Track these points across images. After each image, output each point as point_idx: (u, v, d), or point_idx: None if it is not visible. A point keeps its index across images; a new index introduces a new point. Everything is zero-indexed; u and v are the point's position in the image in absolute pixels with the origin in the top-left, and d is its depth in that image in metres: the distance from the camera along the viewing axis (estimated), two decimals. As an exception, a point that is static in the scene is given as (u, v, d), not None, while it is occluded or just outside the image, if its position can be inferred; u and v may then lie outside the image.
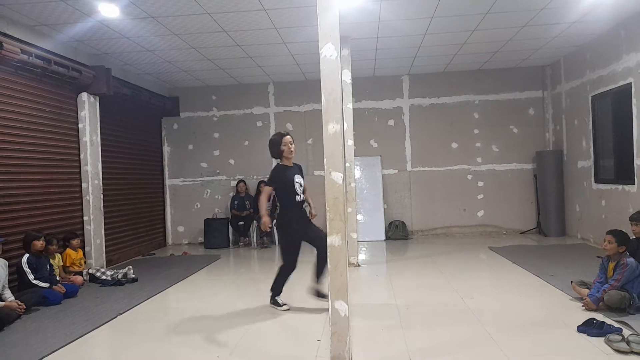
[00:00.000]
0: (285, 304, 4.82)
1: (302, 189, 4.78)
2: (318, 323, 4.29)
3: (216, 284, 6.22)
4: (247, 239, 9.30)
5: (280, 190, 4.74)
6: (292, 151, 4.73)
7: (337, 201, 3.28)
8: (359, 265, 6.89)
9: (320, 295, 4.84)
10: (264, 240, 9.06)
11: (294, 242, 4.78)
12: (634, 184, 6.50)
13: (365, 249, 8.45)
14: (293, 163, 4.84)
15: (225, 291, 5.83)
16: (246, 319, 4.56)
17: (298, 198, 4.74)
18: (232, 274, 7.07)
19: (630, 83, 6.50)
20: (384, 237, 9.29)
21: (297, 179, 4.74)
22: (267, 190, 4.77)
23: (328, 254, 3.30)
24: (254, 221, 9.15)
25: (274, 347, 3.86)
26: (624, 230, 4.54)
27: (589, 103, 7.71)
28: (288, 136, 4.75)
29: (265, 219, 4.68)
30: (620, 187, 6.90)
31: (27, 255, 5.32)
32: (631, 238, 4.61)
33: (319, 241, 4.74)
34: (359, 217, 9.06)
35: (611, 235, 4.40)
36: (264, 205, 4.75)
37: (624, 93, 6.68)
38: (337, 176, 3.28)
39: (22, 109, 5.91)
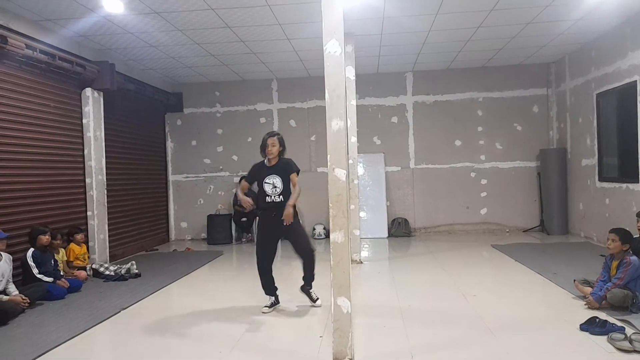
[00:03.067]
0: (265, 307, 4.63)
1: (276, 190, 4.61)
2: (320, 319, 4.31)
3: (219, 280, 6.24)
4: (250, 235, 9.32)
5: (257, 188, 4.80)
6: (270, 152, 4.62)
7: (340, 198, 3.28)
8: (361, 262, 6.89)
9: (309, 297, 4.85)
10: (267, 236, 9.05)
11: (261, 242, 4.70)
12: (638, 182, 6.47)
13: (367, 245, 8.46)
14: (277, 163, 4.67)
15: (228, 287, 5.85)
16: (249, 314, 4.58)
17: (268, 199, 4.64)
18: (234, 270, 7.09)
19: (636, 81, 6.46)
20: (386, 234, 9.29)
21: (270, 179, 4.62)
22: (242, 185, 4.89)
23: (331, 250, 3.30)
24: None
25: (276, 343, 3.87)
26: (627, 229, 4.53)
27: (594, 101, 7.67)
28: (271, 137, 4.65)
29: (242, 197, 4.75)
30: (624, 185, 6.87)
31: (31, 249, 5.35)
32: (635, 236, 4.59)
33: (299, 248, 4.73)
34: (362, 214, 9.06)
35: (615, 234, 4.39)
36: (241, 194, 4.80)
37: (629, 91, 6.64)
38: (341, 173, 3.28)
39: (27, 104, 5.92)
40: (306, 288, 4.86)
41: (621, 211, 6.85)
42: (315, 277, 4.85)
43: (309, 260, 4.76)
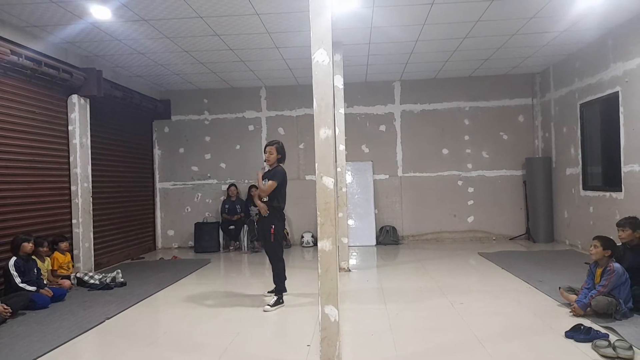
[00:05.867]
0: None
1: None
2: (308, 328, 4.29)
3: (206, 288, 6.18)
4: (237, 243, 9.27)
5: None
6: (267, 159, 5.22)
7: (328, 206, 3.29)
8: (349, 270, 6.89)
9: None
10: (255, 244, 9.03)
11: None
12: (621, 191, 6.59)
13: (356, 253, 8.46)
14: (272, 169, 5.22)
15: (216, 295, 5.80)
16: (236, 323, 4.54)
17: (262, 200, 5.24)
18: (222, 278, 7.03)
19: (618, 92, 6.60)
20: (374, 242, 9.31)
21: (264, 182, 5.21)
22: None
23: (319, 258, 3.30)
24: (245, 225, 9.12)
25: (263, 352, 3.84)
26: (610, 237, 4.60)
27: (578, 111, 7.82)
28: (270, 146, 5.22)
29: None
30: (607, 194, 6.98)
31: (14, 258, 5.26)
32: (618, 244, 4.67)
33: (267, 253, 5.38)
34: (350, 222, 9.08)
35: (597, 240, 4.46)
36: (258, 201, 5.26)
37: (612, 101, 6.78)
38: (329, 181, 3.29)
39: (12, 111, 5.84)
40: (270, 291, 5.29)
41: (605, 219, 6.95)
42: (280, 288, 5.15)
43: (272, 268, 5.23)
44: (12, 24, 5.72)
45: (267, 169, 5.34)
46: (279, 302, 5.02)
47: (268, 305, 4.95)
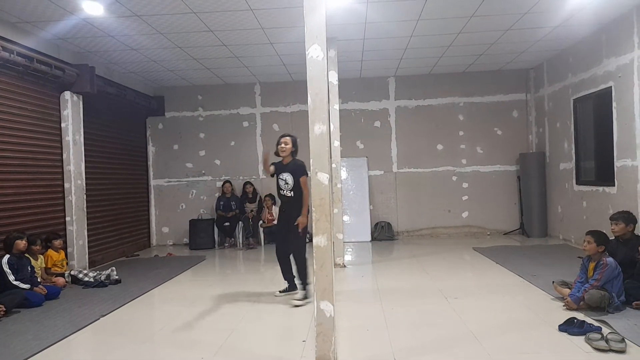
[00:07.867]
0: (279, 291, 5.33)
1: (287, 185, 5.06)
2: (303, 323, 4.30)
3: (201, 285, 6.18)
4: (232, 239, 9.26)
5: None
6: (282, 149, 5.09)
7: (323, 202, 3.29)
8: (344, 266, 6.91)
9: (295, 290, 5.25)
10: (250, 241, 9.02)
11: (276, 231, 5.27)
12: (614, 185, 6.63)
13: (351, 249, 8.48)
14: (290, 163, 5.10)
15: (211, 292, 5.79)
16: (231, 319, 4.55)
17: (281, 192, 5.15)
18: (217, 275, 7.03)
19: (611, 87, 6.63)
20: (369, 238, 9.33)
21: (283, 176, 5.09)
22: (270, 166, 5.24)
23: (314, 254, 3.31)
24: (240, 222, 9.11)
25: (259, 348, 3.85)
26: (603, 231, 4.63)
27: (571, 106, 7.85)
28: (285, 137, 5.12)
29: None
30: (600, 188, 7.03)
31: (7, 255, 5.23)
32: (611, 238, 4.70)
33: (293, 249, 5.10)
34: (345, 218, 9.08)
35: (590, 236, 4.49)
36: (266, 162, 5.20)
37: (605, 96, 6.81)
38: (324, 177, 3.29)
39: (3, 108, 5.79)
40: (299, 284, 5.17)
41: (598, 214, 7.00)
42: (307, 284, 5.10)
43: (298, 264, 5.11)
44: (3, 20, 5.66)
45: (280, 163, 5.16)
46: (306, 296, 5.01)
47: (296, 299, 4.97)
